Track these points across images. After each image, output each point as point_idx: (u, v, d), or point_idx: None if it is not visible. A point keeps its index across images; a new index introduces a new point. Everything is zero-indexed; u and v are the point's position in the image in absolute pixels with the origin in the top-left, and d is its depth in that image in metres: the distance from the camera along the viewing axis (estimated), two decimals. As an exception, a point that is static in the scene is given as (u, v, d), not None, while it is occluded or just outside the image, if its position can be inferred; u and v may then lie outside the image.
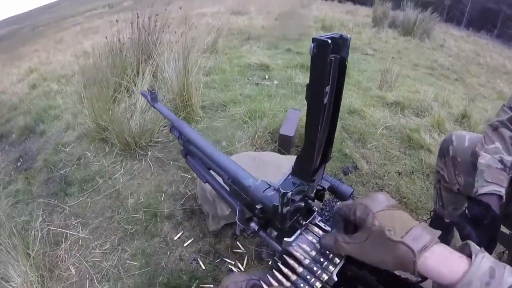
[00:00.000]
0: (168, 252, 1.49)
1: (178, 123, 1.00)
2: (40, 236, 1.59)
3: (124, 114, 2.26)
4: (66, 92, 3.60)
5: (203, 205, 1.54)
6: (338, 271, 0.55)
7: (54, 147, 2.41)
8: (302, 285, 0.55)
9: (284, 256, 0.61)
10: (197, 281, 1.36)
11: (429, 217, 1.53)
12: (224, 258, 1.45)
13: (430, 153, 2.20)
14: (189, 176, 1.85)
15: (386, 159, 2.15)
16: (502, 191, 0.96)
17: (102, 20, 10.66)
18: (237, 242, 1.50)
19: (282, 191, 0.56)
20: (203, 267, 1.42)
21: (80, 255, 1.54)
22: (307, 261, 0.57)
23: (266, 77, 3.24)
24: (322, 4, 11.36)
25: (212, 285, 1.35)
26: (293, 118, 2.03)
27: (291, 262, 0.59)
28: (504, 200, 0.97)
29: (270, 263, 1.25)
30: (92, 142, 2.31)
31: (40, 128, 2.87)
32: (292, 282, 0.57)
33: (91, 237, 1.62)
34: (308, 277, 0.56)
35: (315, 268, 0.56)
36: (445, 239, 1.46)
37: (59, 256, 1.56)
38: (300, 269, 0.57)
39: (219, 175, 0.82)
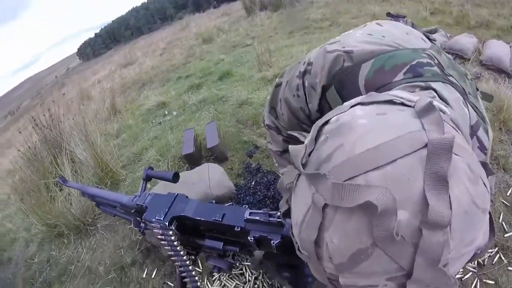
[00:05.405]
0: (143, 289, 1.86)
1: (84, 189, 1.48)
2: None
3: (64, 205, 2.57)
4: (10, 214, 3.75)
5: (151, 238, 1.92)
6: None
7: (24, 265, 2.62)
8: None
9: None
10: (172, 298, 1.75)
11: None
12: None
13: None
14: (134, 225, 2.21)
15: (278, 123, 2.59)
16: None
17: (10, 131, 10.47)
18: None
19: None
20: (172, 285, 1.78)
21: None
22: None
23: (166, 112, 3.62)
24: (200, 17, 11.86)
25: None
26: (189, 137, 2.44)
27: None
28: None
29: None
30: (51, 242, 2.57)
31: (5, 256, 3.01)
32: None
33: (84, 312, 1.95)
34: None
35: None
36: None
37: None
38: None
39: (115, 205, 1.28)
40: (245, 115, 2.83)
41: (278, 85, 1.10)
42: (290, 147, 0.56)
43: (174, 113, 3.49)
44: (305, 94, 0.93)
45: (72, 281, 2.17)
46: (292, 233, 0.56)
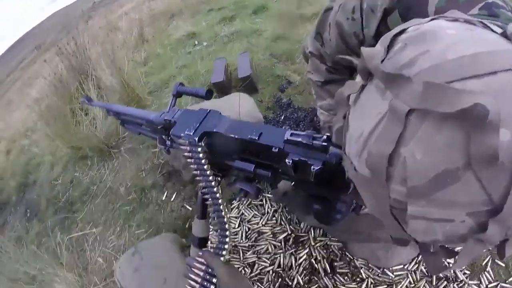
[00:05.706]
0: (162, 211, 1.83)
1: (108, 106, 1.36)
2: (65, 248, 1.92)
3: (89, 128, 2.56)
4: (36, 140, 3.81)
5: (173, 162, 1.86)
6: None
7: (49, 186, 2.70)
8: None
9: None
10: (190, 219, 1.70)
11: None
12: (202, 195, 1.77)
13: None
14: (157, 150, 2.15)
15: (315, 61, 2.40)
16: None
17: (37, 64, 10.53)
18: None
19: None
20: (190, 208, 1.75)
21: (101, 247, 1.87)
22: None
23: (196, 42, 3.44)
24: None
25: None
26: (220, 66, 2.30)
27: None
28: None
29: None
30: (75, 164, 2.60)
31: (31, 179, 3.13)
32: None
33: (104, 230, 1.96)
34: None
35: None
36: None
37: (87, 256, 1.88)
38: None
39: (141, 123, 1.16)
40: (280, 49, 2.63)
41: (328, 9, 1.03)
42: (363, 49, 0.45)
43: (205, 43, 3.31)
44: (361, 17, 0.87)
45: (93, 200, 2.20)
46: (345, 151, 0.47)
